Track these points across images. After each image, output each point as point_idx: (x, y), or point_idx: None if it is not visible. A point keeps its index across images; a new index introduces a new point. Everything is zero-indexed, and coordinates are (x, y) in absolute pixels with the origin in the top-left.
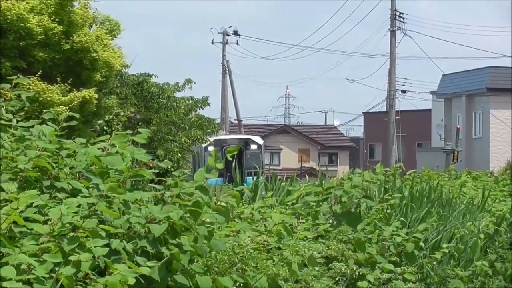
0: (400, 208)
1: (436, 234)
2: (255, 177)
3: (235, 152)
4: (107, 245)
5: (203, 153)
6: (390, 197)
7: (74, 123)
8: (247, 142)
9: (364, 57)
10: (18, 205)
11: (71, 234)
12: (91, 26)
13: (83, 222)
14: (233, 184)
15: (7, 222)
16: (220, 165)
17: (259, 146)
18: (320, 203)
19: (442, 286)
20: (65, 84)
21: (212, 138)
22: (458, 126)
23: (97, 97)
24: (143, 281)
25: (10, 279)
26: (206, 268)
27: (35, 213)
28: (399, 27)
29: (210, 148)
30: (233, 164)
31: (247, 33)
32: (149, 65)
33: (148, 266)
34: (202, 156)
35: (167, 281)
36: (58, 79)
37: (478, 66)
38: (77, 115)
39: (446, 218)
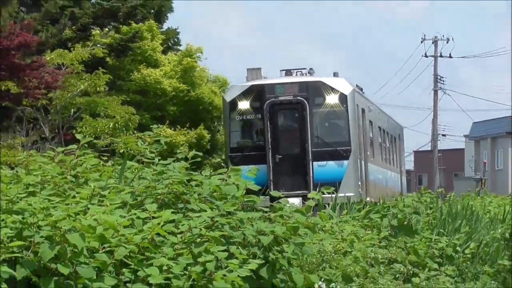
0: (441, 221)
1: (467, 239)
2: (333, 163)
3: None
4: (226, 250)
5: (228, 114)
6: (433, 213)
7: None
8: (317, 90)
9: (414, 110)
10: (159, 220)
11: (198, 240)
12: (206, 83)
13: (206, 231)
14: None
15: (152, 233)
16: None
17: (342, 98)
18: (382, 219)
19: (474, 280)
20: (186, 127)
21: (246, 84)
22: (485, 161)
23: (208, 134)
24: (255, 277)
25: (155, 276)
26: (299, 268)
27: (173, 227)
28: (440, 87)
29: (243, 105)
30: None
31: None
32: None
33: (257, 264)
34: (226, 120)
35: (272, 278)
36: (180, 125)
37: (500, 116)
38: (200, 154)
39: (475, 229)
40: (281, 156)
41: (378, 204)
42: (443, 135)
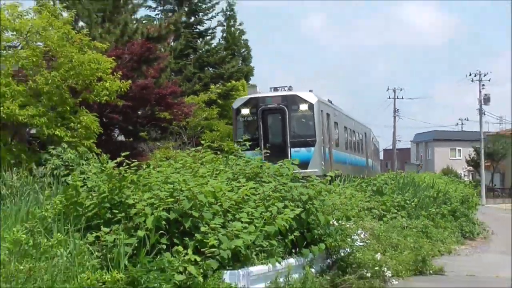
0: (399, 187)
1: (412, 197)
2: (304, 149)
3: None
4: (283, 203)
5: (235, 117)
6: (394, 183)
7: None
8: (293, 100)
9: (382, 127)
10: (247, 187)
11: (267, 198)
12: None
13: (272, 193)
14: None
15: (242, 194)
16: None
17: (310, 106)
18: (367, 186)
19: (416, 219)
20: None
21: (246, 97)
22: (422, 155)
23: None
24: (298, 218)
25: (244, 217)
26: (322, 213)
27: (254, 191)
28: (397, 114)
29: (245, 111)
30: (274, 132)
31: None
32: None
33: (299, 211)
34: (234, 121)
35: (307, 218)
36: None
37: (429, 130)
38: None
39: (417, 191)
40: (269, 145)
41: (343, 177)
42: (399, 140)
